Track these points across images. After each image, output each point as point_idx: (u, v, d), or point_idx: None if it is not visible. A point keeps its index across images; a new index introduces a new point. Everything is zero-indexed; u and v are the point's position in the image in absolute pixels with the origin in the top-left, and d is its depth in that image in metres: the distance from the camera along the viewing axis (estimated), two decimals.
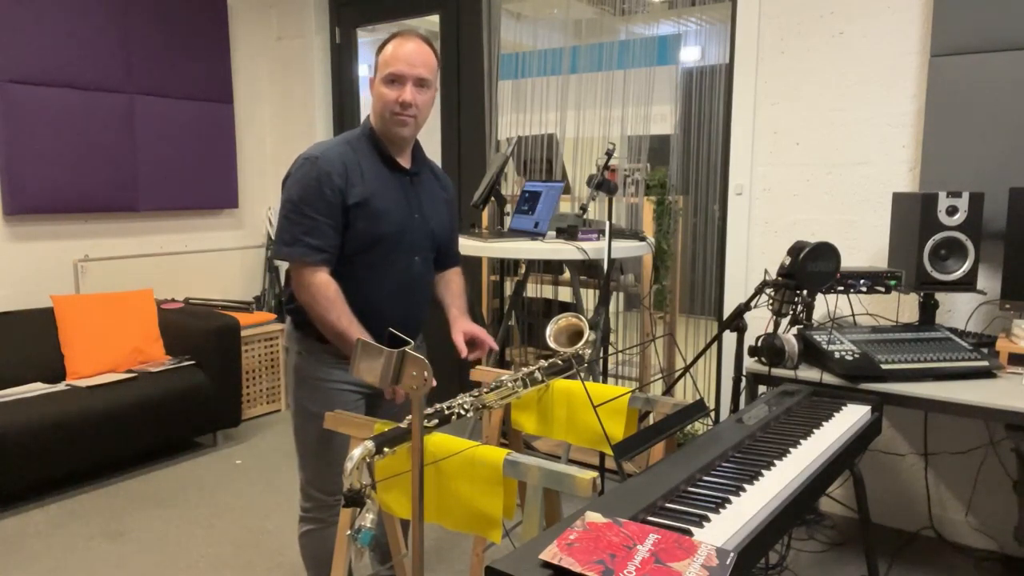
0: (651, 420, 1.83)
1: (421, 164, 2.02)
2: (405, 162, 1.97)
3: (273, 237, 4.83)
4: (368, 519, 1.41)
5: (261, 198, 4.90)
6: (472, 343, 2.00)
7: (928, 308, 2.58)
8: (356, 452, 1.43)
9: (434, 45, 1.88)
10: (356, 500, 1.41)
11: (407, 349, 1.41)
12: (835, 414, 1.85)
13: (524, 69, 3.91)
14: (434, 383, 1.42)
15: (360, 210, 1.85)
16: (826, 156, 3.00)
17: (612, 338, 3.66)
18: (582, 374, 2.02)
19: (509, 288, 4.04)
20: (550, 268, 3.81)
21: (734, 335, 2.32)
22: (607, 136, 3.66)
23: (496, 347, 2.02)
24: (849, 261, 2.95)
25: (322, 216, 1.81)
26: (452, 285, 2.15)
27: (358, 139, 1.92)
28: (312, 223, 1.81)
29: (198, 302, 4.35)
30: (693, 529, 1.20)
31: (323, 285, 1.82)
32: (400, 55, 1.82)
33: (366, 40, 4.75)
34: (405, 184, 1.96)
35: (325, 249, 1.83)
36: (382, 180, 1.90)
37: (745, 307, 2.30)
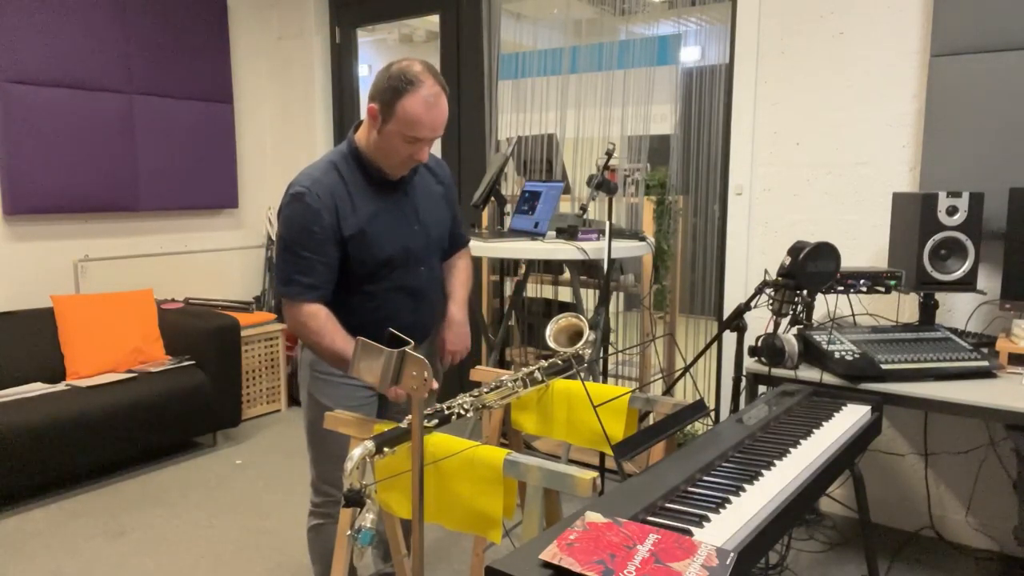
0: (651, 420, 1.83)
1: (412, 169, 1.98)
2: (395, 177, 1.93)
3: (272, 237, 4.83)
4: (368, 519, 1.41)
5: (261, 198, 4.90)
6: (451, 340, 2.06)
7: (928, 308, 2.58)
8: (356, 452, 1.43)
9: (444, 84, 1.80)
10: (356, 500, 1.41)
11: (407, 349, 1.41)
12: (835, 414, 1.84)
13: (524, 69, 3.91)
14: (436, 385, 1.42)
15: (357, 241, 1.84)
16: (826, 156, 3.00)
17: (612, 338, 3.66)
18: (582, 374, 2.02)
19: (509, 288, 4.04)
20: (550, 268, 3.81)
21: (734, 335, 2.32)
22: (607, 136, 3.66)
23: (455, 361, 2.08)
24: (849, 261, 2.95)
25: (312, 254, 1.80)
26: (459, 274, 2.14)
27: (345, 161, 1.87)
28: (304, 262, 1.80)
29: (198, 302, 4.35)
30: (693, 529, 1.20)
31: (311, 315, 1.82)
32: (427, 122, 1.75)
33: (366, 40, 4.75)
34: (399, 198, 1.93)
35: (318, 286, 1.83)
36: (375, 204, 1.88)
37: (745, 307, 2.30)
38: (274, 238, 4.84)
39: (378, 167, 1.87)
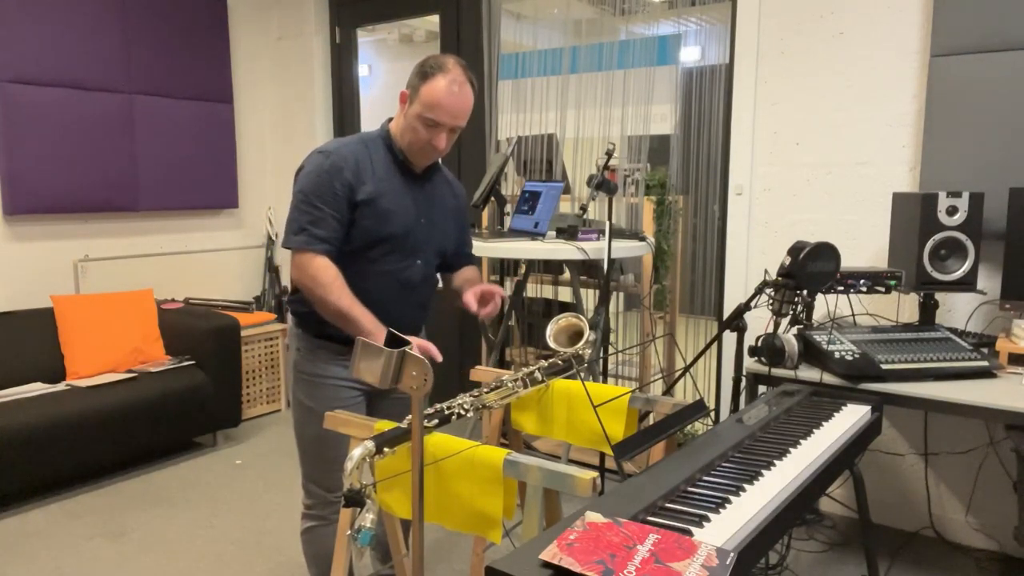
0: (651, 420, 1.83)
1: (435, 170, 2.05)
2: (418, 167, 1.99)
3: (272, 237, 4.83)
4: (368, 519, 1.41)
5: (261, 198, 4.90)
6: (483, 299, 2.01)
7: (928, 308, 2.58)
8: (356, 452, 1.43)
9: (473, 79, 1.88)
10: (356, 500, 1.41)
11: (407, 349, 1.41)
12: (835, 414, 1.84)
13: (524, 69, 3.91)
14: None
15: (367, 208, 1.88)
16: (826, 156, 3.00)
17: (612, 338, 3.66)
18: (582, 374, 2.02)
19: (509, 288, 4.04)
20: (550, 268, 3.81)
21: (734, 335, 2.32)
22: (607, 136, 3.66)
23: (505, 294, 2.04)
24: (849, 261, 2.95)
25: (329, 208, 1.85)
26: (468, 274, 2.17)
27: (374, 140, 1.95)
28: (319, 214, 1.85)
29: (198, 302, 4.35)
30: (693, 529, 1.20)
31: (322, 268, 1.85)
32: (447, 106, 1.82)
33: (366, 40, 4.75)
34: (415, 188, 1.98)
35: (328, 240, 1.86)
36: (392, 182, 1.93)
37: (745, 307, 2.30)
38: (273, 238, 4.84)
39: (403, 154, 1.94)
